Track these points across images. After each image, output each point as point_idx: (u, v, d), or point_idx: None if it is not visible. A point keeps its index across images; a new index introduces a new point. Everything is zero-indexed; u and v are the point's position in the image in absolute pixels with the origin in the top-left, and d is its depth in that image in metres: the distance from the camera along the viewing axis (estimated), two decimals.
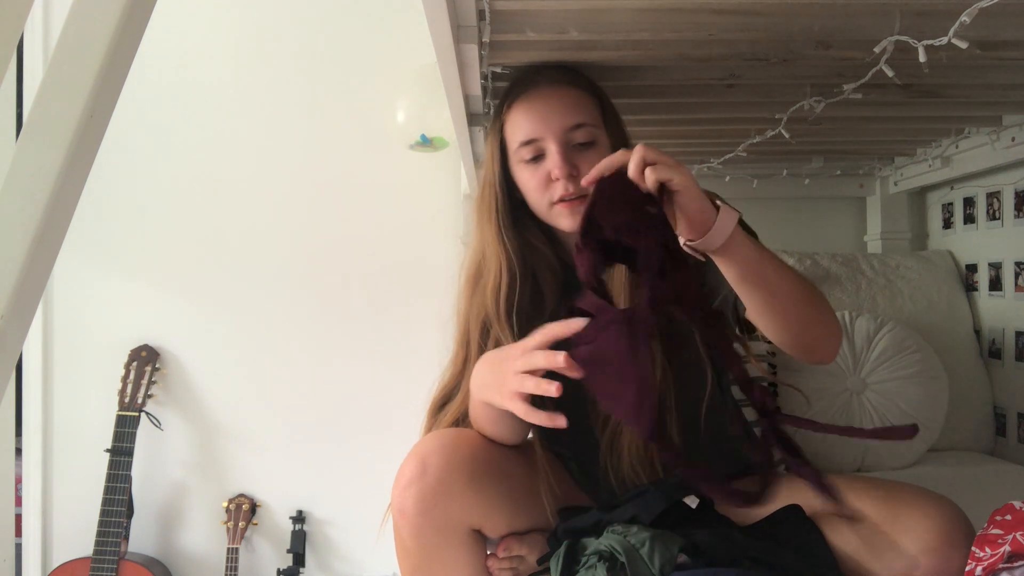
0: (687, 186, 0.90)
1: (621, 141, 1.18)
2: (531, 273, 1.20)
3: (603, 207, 0.89)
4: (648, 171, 0.89)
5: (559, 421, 0.89)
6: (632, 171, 0.90)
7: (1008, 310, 1.92)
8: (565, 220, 1.14)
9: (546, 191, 1.14)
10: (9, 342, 0.66)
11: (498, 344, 1.16)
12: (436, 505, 1.03)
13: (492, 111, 1.30)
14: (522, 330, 1.15)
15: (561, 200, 1.13)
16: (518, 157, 1.16)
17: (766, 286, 0.99)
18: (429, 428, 1.20)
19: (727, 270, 0.98)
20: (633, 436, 1.14)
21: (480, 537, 1.11)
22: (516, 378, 0.92)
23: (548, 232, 1.22)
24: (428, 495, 1.03)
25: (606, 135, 1.16)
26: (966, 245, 2.08)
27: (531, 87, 1.16)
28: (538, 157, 1.14)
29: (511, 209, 1.20)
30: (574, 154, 1.13)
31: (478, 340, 1.18)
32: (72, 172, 0.67)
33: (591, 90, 1.18)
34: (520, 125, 1.15)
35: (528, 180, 1.16)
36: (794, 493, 1.09)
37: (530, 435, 1.20)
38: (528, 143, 1.14)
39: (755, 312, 1.03)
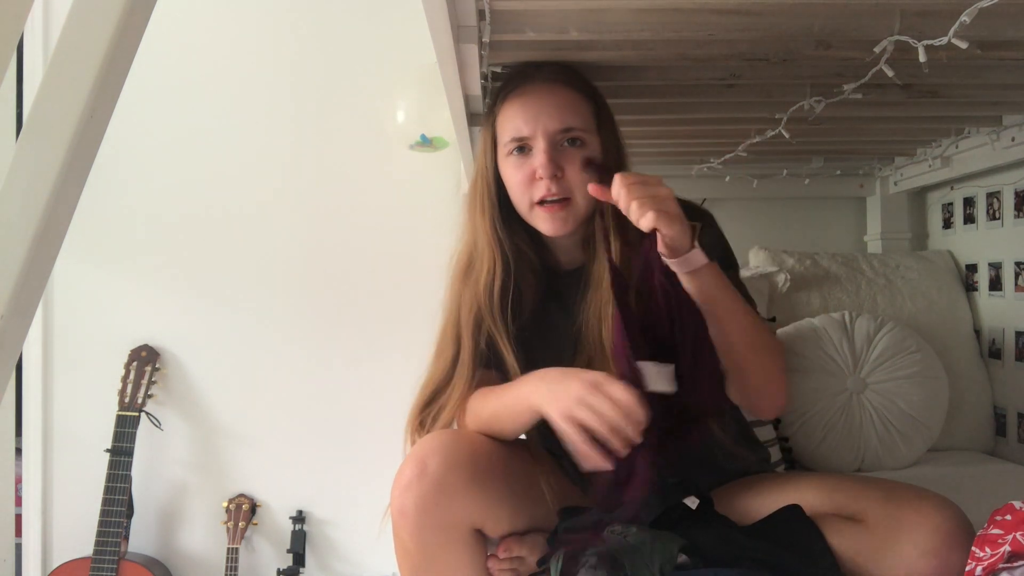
0: (663, 222, 0.97)
1: (613, 144, 1.18)
2: (516, 273, 1.19)
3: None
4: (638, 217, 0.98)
5: (606, 464, 0.93)
6: (623, 207, 0.99)
7: (1008, 310, 1.92)
8: (544, 224, 1.15)
9: (528, 189, 1.14)
10: (9, 342, 0.66)
11: (491, 339, 1.16)
12: (436, 505, 1.03)
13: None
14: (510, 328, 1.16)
15: (542, 201, 1.13)
16: (506, 151, 1.16)
17: (716, 320, 1.03)
18: (416, 425, 1.19)
19: (688, 289, 1.04)
20: None
21: (480, 537, 1.11)
22: (579, 406, 0.95)
23: (532, 234, 1.21)
24: (428, 495, 1.03)
25: (597, 138, 1.16)
26: (966, 245, 2.08)
27: (526, 83, 1.16)
28: (525, 153, 1.14)
29: (502, 203, 1.19)
30: (561, 154, 1.13)
31: (471, 334, 1.17)
32: (72, 172, 0.67)
33: (587, 92, 1.18)
34: (511, 121, 1.15)
35: (513, 175, 1.16)
36: (794, 493, 1.09)
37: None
38: (517, 139, 1.14)
39: None
